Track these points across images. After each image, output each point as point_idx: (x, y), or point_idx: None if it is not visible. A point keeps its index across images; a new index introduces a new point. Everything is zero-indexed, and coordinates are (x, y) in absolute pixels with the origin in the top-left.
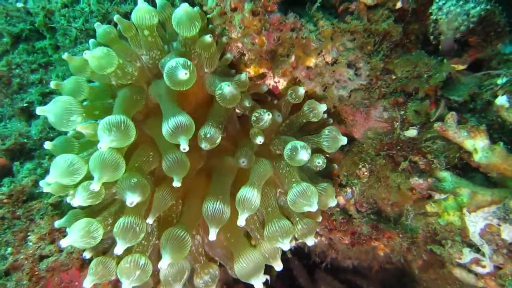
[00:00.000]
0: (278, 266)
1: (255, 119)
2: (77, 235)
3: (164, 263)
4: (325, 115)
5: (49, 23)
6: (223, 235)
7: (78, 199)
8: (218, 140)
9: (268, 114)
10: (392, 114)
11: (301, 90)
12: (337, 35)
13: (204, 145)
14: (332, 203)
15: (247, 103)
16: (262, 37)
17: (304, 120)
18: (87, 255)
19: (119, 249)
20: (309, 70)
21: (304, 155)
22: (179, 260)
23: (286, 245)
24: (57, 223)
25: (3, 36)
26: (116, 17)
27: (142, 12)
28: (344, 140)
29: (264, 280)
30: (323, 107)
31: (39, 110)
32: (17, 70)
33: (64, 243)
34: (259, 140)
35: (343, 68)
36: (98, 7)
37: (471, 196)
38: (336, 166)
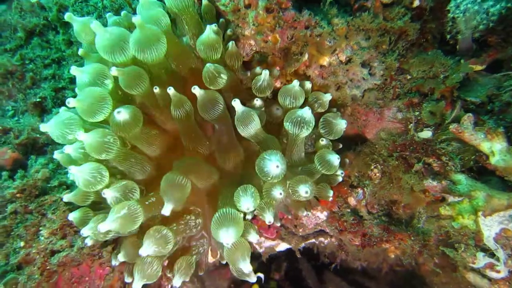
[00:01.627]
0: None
1: (254, 81)
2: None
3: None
4: (335, 109)
5: (63, 18)
6: None
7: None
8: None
9: (265, 70)
10: (406, 115)
11: (308, 84)
12: (352, 34)
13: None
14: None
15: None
16: (276, 34)
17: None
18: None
19: None
20: (323, 69)
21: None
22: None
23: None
24: (66, 197)
25: (17, 31)
26: (123, 13)
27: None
28: (342, 124)
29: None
30: (327, 96)
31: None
32: (30, 65)
33: (105, 227)
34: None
35: (357, 67)
36: (111, 2)
37: (486, 200)
38: (347, 160)
